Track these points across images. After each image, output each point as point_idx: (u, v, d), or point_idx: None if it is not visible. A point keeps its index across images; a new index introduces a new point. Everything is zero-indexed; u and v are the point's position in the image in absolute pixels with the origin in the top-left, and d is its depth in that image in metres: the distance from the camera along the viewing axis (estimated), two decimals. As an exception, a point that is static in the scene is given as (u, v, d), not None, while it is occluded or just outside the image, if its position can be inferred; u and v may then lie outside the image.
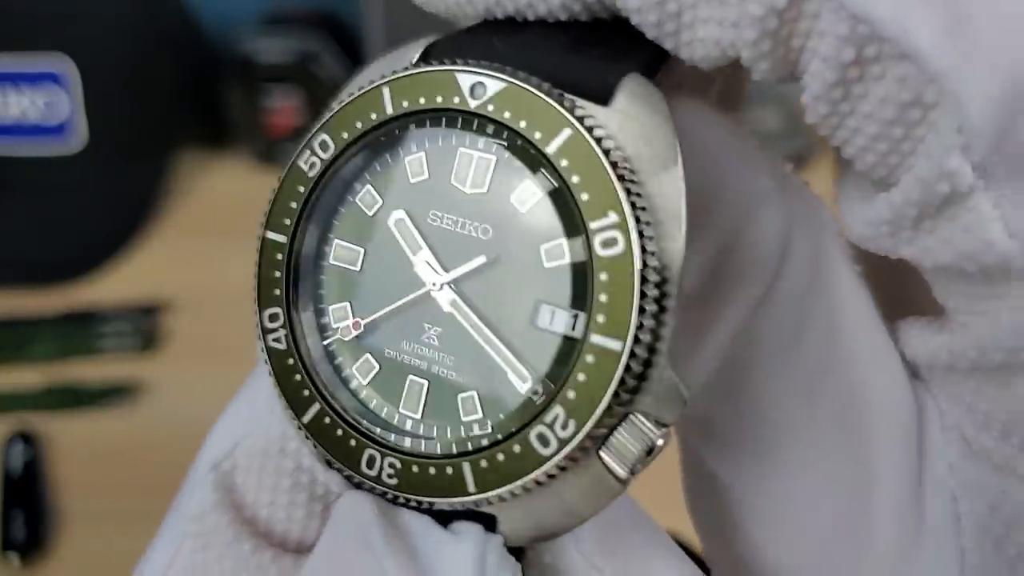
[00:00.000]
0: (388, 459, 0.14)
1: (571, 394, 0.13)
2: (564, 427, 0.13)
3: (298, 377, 0.15)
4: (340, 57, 0.90)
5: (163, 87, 0.87)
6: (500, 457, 0.13)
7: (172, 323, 0.72)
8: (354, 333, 0.15)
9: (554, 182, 0.14)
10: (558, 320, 0.13)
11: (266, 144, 0.92)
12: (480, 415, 0.14)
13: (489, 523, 0.14)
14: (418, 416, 0.14)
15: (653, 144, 0.13)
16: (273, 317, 0.15)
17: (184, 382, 0.67)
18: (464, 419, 0.14)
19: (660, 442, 0.13)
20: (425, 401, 0.14)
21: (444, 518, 0.14)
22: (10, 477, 0.58)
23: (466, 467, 0.13)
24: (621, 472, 0.13)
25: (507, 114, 0.13)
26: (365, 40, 0.90)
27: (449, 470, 0.13)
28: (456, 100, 0.14)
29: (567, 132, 0.13)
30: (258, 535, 0.16)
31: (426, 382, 0.14)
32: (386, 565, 0.14)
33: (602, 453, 0.13)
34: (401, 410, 0.15)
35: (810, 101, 0.14)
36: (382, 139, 0.15)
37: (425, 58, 0.15)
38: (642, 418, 0.13)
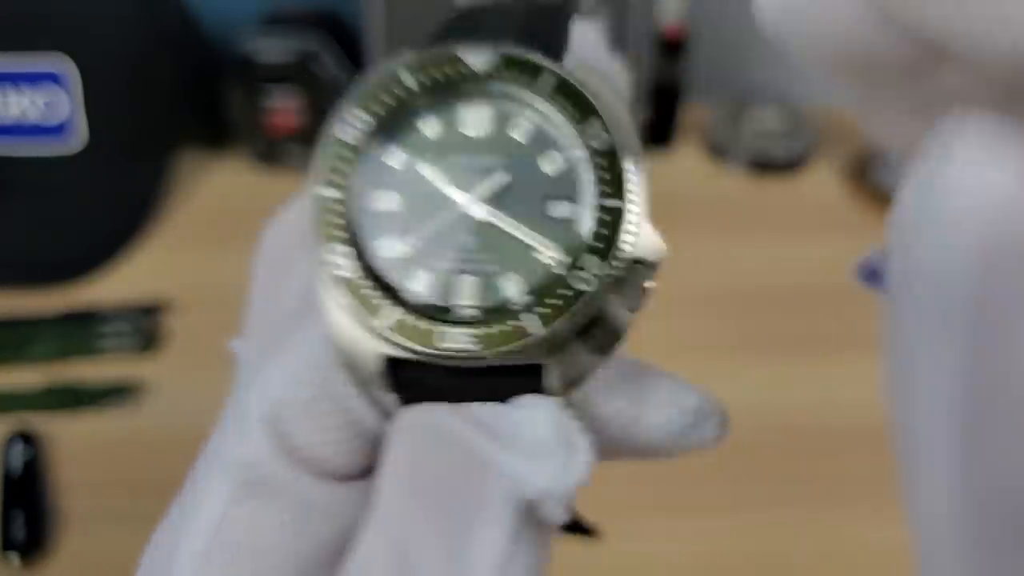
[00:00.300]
0: (464, 331, 0.18)
1: (596, 243, 0.18)
2: (597, 267, 0.18)
3: (369, 293, 0.18)
4: (340, 57, 0.90)
5: (163, 87, 0.87)
6: (556, 301, 0.18)
7: (173, 323, 0.72)
8: (409, 255, 0.19)
9: (544, 115, 0.19)
10: (562, 209, 0.19)
11: (267, 144, 0.92)
12: (523, 286, 0.19)
13: (535, 381, 0.18)
14: (469, 303, 0.19)
15: (605, 79, 0.19)
16: (338, 252, 0.18)
17: (185, 382, 0.67)
18: (507, 295, 0.19)
19: (645, 283, 0.18)
20: (476, 290, 0.19)
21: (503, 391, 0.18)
22: (10, 477, 0.58)
23: (532, 316, 0.18)
24: (632, 305, 0.18)
25: (506, 73, 0.19)
26: (366, 40, 0.90)
27: (520, 319, 0.18)
28: (462, 70, 0.19)
29: (549, 77, 0.19)
30: (312, 473, 0.18)
31: (474, 277, 0.19)
32: (472, 444, 0.17)
33: (612, 295, 0.18)
34: (459, 302, 0.19)
35: None
36: (403, 108, 0.19)
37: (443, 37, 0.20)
38: (630, 261, 0.18)
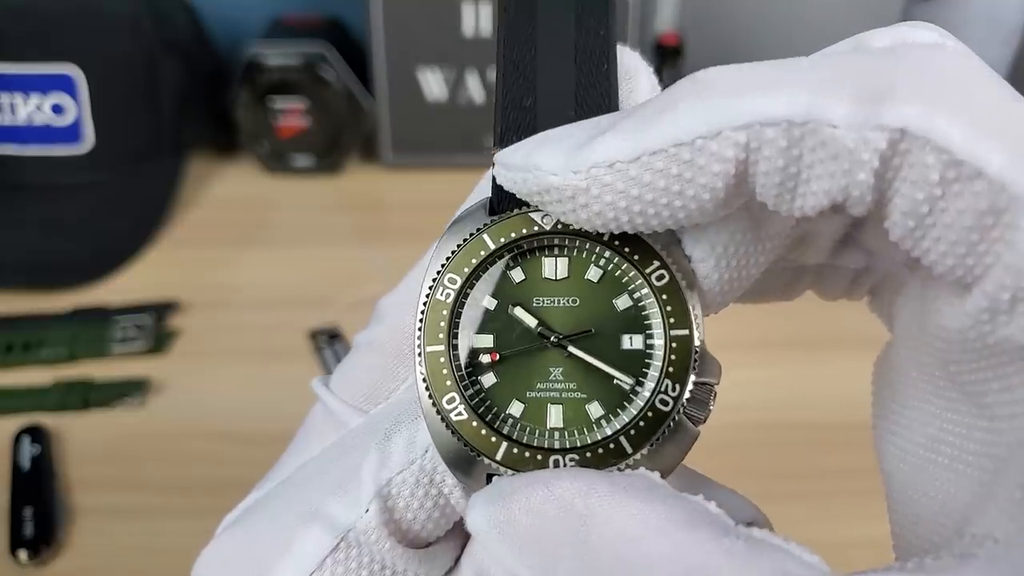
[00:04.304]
0: (568, 456, 0.21)
1: (671, 369, 0.21)
2: (673, 389, 0.21)
3: (484, 431, 0.21)
4: (345, 64, 0.91)
5: (171, 92, 0.88)
6: (641, 424, 0.21)
7: (182, 324, 0.73)
8: (506, 385, 0.22)
9: (612, 259, 0.22)
10: (636, 341, 0.22)
11: (274, 148, 0.93)
12: (604, 412, 0.21)
13: None
14: (561, 426, 0.22)
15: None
16: (451, 400, 0.21)
17: (193, 381, 0.68)
18: (594, 418, 0.21)
19: (712, 397, 0.21)
20: (564, 416, 0.22)
21: None
22: (20, 473, 0.58)
23: (623, 439, 0.21)
24: (700, 416, 0.21)
25: (571, 228, 0.21)
26: (369, 46, 0.91)
27: (612, 445, 0.21)
28: (536, 228, 0.22)
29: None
30: (400, 541, 0.21)
31: (561, 405, 0.22)
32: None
33: (686, 409, 0.21)
34: (548, 426, 0.22)
35: (898, 218, 0.18)
36: (489, 265, 0.22)
37: (493, 211, 0.22)
38: (700, 383, 0.21)
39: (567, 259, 0.22)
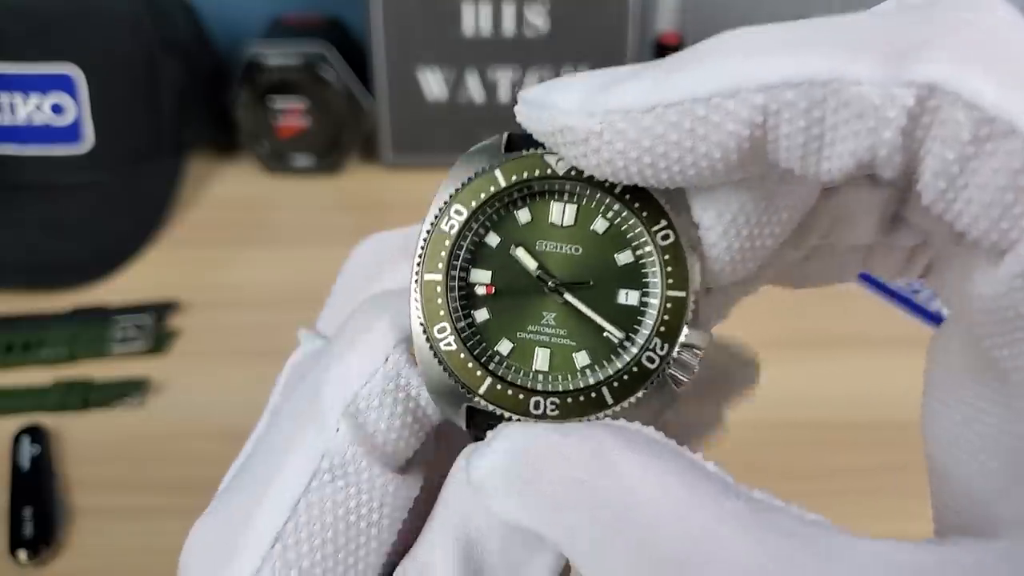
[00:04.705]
0: (549, 399, 0.21)
1: (662, 328, 0.21)
2: (661, 348, 0.21)
3: (470, 364, 0.21)
4: (345, 63, 0.91)
5: (171, 92, 0.88)
6: (625, 377, 0.21)
7: (182, 323, 0.73)
8: (497, 323, 0.22)
9: (620, 212, 0.22)
10: (631, 297, 0.22)
11: (274, 149, 0.93)
12: (590, 362, 0.22)
13: None
14: (546, 370, 0.22)
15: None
16: (441, 330, 0.21)
17: (193, 381, 0.68)
18: (579, 366, 0.22)
19: (697, 362, 0.21)
20: (550, 361, 0.22)
21: None
22: (19, 473, 0.58)
23: (604, 389, 0.21)
24: (683, 379, 0.21)
25: (584, 175, 0.21)
26: (369, 46, 0.91)
27: (593, 394, 0.21)
28: (548, 171, 0.22)
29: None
30: (380, 462, 0.21)
31: (549, 349, 0.22)
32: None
33: (670, 369, 0.21)
34: (534, 368, 0.22)
35: (929, 180, 0.17)
36: (497, 202, 0.22)
37: (509, 147, 0.22)
38: (687, 345, 0.21)
39: (576, 206, 0.22)
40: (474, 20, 0.90)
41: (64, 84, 0.82)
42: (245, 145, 0.92)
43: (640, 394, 0.21)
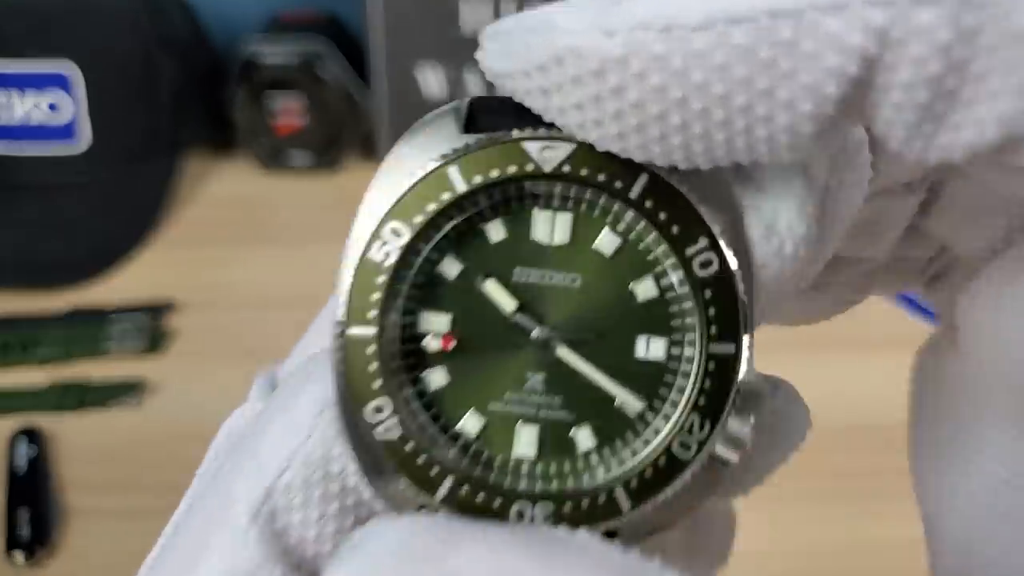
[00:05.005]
0: (539, 505, 0.15)
1: (702, 400, 0.15)
2: (700, 429, 0.15)
3: (421, 460, 0.15)
4: (343, 61, 0.91)
5: (168, 90, 0.88)
6: (647, 473, 0.15)
7: (179, 323, 0.73)
8: (461, 391, 0.16)
9: (636, 225, 0.15)
10: (655, 347, 0.15)
11: (271, 147, 0.92)
12: (596, 444, 0.15)
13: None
14: (533, 457, 0.16)
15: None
16: (378, 409, 0.15)
17: (190, 381, 0.67)
18: (581, 451, 0.15)
19: (749, 434, 0.15)
20: (539, 443, 0.16)
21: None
22: (15, 475, 0.58)
23: (619, 490, 0.15)
24: (733, 458, 0.15)
25: (583, 171, 0.15)
26: (367, 44, 0.91)
27: (603, 497, 0.15)
28: (530, 167, 0.15)
29: (644, 177, 0.15)
30: (300, 570, 0.16)
31: (536, 426, 0.16)
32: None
33: (718, 448, 0.15)
34: (515, 455, 0.16)
35: None
36: (454, 214, 0.15)
37: (472, 124, 0.16)
38: (737, 415, 0.15)
39: (570, 216, 0.15)
40: (473, 17, 0.90)
41: (61, 82, 0.82)
42: (242, 143, 0.92)
43: (668, 494, 0.15)
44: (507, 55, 0.14)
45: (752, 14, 0.12)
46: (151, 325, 0.71)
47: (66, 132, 0.83)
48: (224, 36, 0.98)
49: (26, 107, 0.82)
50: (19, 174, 0.83)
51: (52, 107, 0.82)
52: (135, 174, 0.86)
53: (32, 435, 0.60)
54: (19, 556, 0.53)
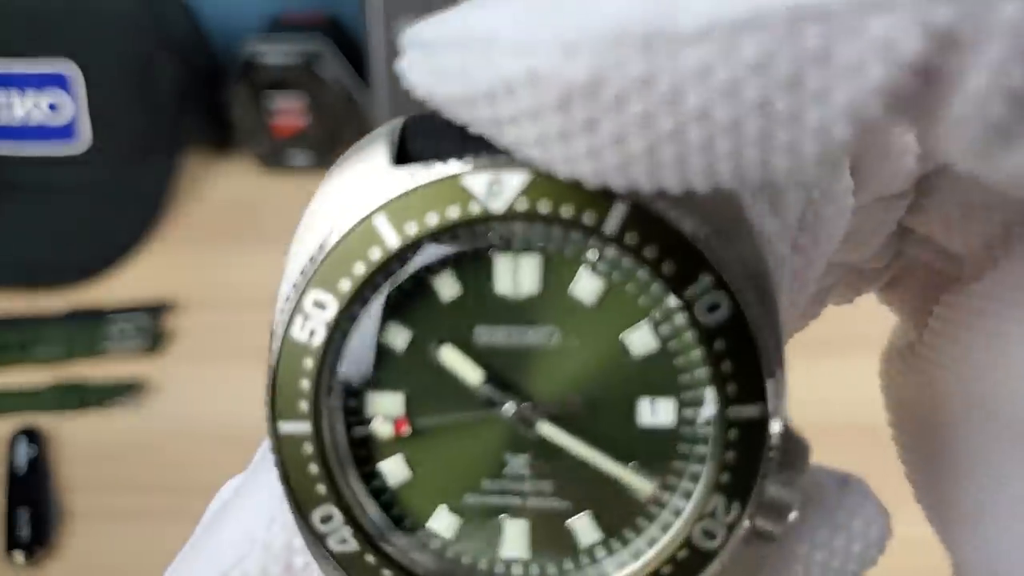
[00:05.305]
0: None
1: (724, 477, 0.12)
2: (727, 512, 0.12)
3: (387, 573, 0.12)
4: (343, 61, 0.91)
5: (167, 90, 0.88)
6: (666, 570, 0.12)
7: (178, 323, 0.73)
8: (427, 485, 0.13)
9: (619, 263, 0.12)
10: (661, 411, 0.12)
11: (271, 147, 0.92)
12: (600, 535, 0.13)
13: None
14: (526, 557, 0.13)
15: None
16: (326, 519, 0.13)
17: (189, 382, 0.67)
18: (583, 545, 0.13)
19: (795, 496, 0.12)
20: (531, 539, 0.13)
21: None
22: (15, 475, 0.58)
23: None
24: (775, 530, 0.12)
25: (543, 206, 0.11)
26: (367, 44, 0.91)
27: None
28: (475, 209, 0.12)
29: (621, 207, 0.11)
30: None
31: (525, 520, 0.13)
32: None
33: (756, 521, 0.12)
34: (503, 556, 0.13)
35: None
36: (393, 271, 0.12)
37: (405, 155, 0.12)
38: (774, 483, 0.12)
39: (537, 258, 0.12)
40: (472, 18, 0.89)
41: (60, 82, 0.82)
42: (242, 143, 0.92)
43: None
44: (440, 76, 0.11)
45: (765, 16, 0.09)
46: (151, 325, 0.71)
47: (66, 132, 0.83)
48: (224, 36, 0.98)
49: (26, 107, 0.82)
50: (19, 174, 0.83)
51: (52, 107, 0.82)
52: (135, 174, 0.86)
53: (32, 435, 0.60)
54: (19, 556, 0.53)
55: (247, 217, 0.88)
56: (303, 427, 0.12)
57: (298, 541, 0.13)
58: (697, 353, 0.12)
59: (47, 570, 0.54)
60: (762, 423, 0.12)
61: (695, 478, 0.12)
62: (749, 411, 0.12)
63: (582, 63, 0.10)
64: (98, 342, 0.69)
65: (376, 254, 0.12)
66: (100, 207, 0.83)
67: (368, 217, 0.12)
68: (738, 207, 0.12)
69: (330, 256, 0.12)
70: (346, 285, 0.12)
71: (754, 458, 0.12)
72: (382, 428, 0.13)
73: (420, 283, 0.13)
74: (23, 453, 0.59)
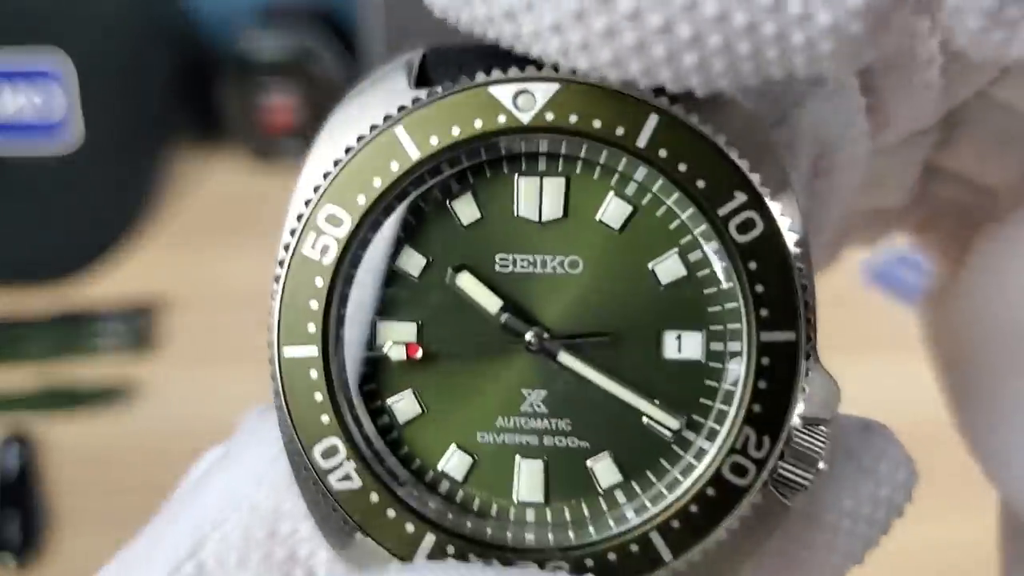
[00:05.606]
0: (554, 562, 0.11)
1: (756, 407, 0.11)
2: (759, 447, 0.11)
3: (392, 514, 0.12)
4: (337, 53, 0.90)
5: (159, 84, 0.87)
6: (693, 508, 0.11)
7: (167, 322, 0.72)
8: (437, 418, 0.12)
9: (650, 184, 0.11)
10: (688, 344, 0.12)
11: (262, 141, 0.92)
12: (620, 477, 0.12)
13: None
14: (541, 501, 0.12)
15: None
16: (329, 452, 0.12)
17: (179, 382, 0.67)
18: (603, 487, 0.12)
19: (824, 447, 0.12)
20: (546, 481, 0.12)
21: None
22: (5, 479, 0.58)
23: (655, 536, 0.11)
24: (802, 481, 0.11)
25: (573, 118, 0.11)
26: (362, 36, 0.90)
27: (635, 547, 0.11)
28: (502, 119, 0.11)
29: (654, 119, 0.11)
30: None
31: (541, 461, 0.12)
32: None
33: (783, 468, 0.12)
34: (517, 499, 0.12)
35: None
36: (411, 189, 0.12)
37: (425, 81, 0.12)
38: (803, 429, 0.11)
39: (562, 181, 0.12)
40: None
41: (52, 76, 0.81)
42: (233, 137, 0.91)
43: (723, 536, 0.11)
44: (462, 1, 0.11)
45: None
46: (141, 325, 0.71)
47: (57, 127, 0.82)
48: (217, 30, 0.97)
49: (18, 101, 0.81)
50: (8, 168, 0.82)
51: (43, 102, 0.82)
52: (126, 168, 0.85)
53: (23, 439, 0.60)
54: (9, 559, 0.53)
55: (238, 212, 0.87)
56: (310, 351, 0.12)
57: (287, 505, 0.13)
58: (728, 283, 0.12)
59: (37, 573, 0.53)
60: (795, 349, 0.11)
61: (721, 418, 0.11)
62: (783, 336, 0.11)
63: None
64: (87, 342, 0.69)
65: (396, 167, 0.11)
66: (91, 201, 0.83)
67: (389, 128, 0.11)
68: (767, 132, 0.11)
69: (346, 169, 0.12)
70: (363, 200, 0.12)
71: (786, 388, 0.11)
72: (393, 352, 0.12)
73: (438, 206, 0.12)
74: (14, 458, 0.59)
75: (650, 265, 0.12)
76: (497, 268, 0.12)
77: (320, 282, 0.12)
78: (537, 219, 0.12)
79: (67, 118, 0.82)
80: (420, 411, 0.12)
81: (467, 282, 0.12)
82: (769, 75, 0.10)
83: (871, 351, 0.68)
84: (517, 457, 0.12)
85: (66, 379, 0.66)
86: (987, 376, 0.17)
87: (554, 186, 0.12)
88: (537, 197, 0.12)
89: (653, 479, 0.12)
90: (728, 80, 0.10)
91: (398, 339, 0.12)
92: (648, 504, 0.11)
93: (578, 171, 0.12)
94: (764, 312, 0.11)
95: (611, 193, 0.12)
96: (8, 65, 0.81)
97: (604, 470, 0.12)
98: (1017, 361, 0.16)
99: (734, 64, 0.10)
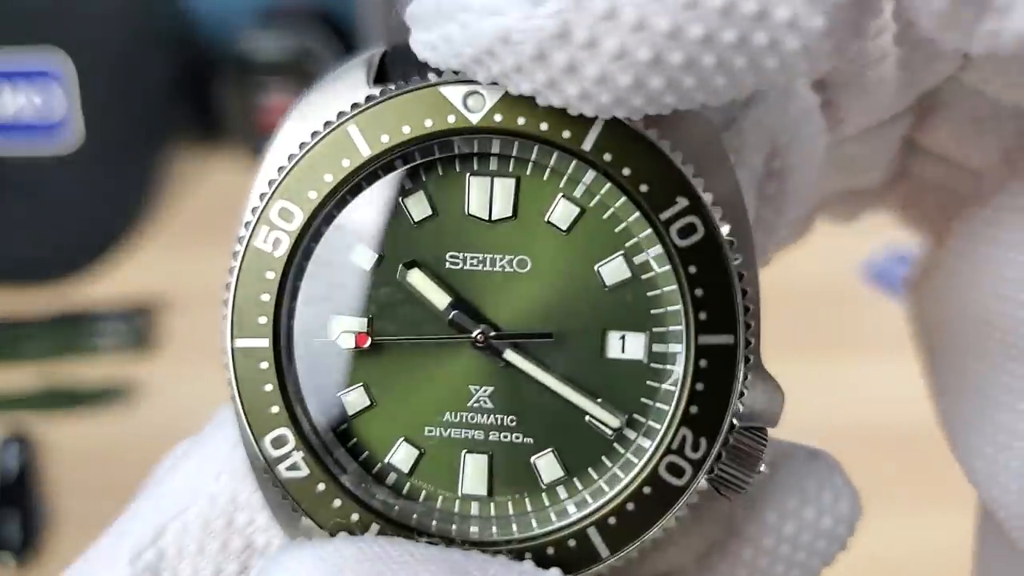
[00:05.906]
0: (495, 555, 0.12)
1: (692, 409, 0.11)
2: (695, 448, 0.12)
3: (337, 504, 0.12)
4: (335, 53, 0.90)
5: (158, 83, 0.87)
6: (630, 507, 0.11)
7: (166, 322, 0.72)
8: (386, 413, 0.13)
9: (597, 189, 0.12)
10: (632, 345, 0.12)
11: (262, 140, 0.91)
12: (563, 473, 0.12)
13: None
14: (485, 494, 0.12)
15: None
16: (279, 441, 0.12)
17: (178, 382, 0.67)
18: (545, 483, 0.12)
19: (763, 449, 0.12)
20: (490, 476, 0.13)
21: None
22: (5, 479, 0.58)
23: (592, 532, 0.12)
24: (742, 482, 0.12)
25: (521, 120, 0.11)
26: (359, 35, 0.90)
27: (572, 542, 0.12)
28: (452, 119, 0.11)
29: (600, 123, 0.11)
30: None
31: (486, 456, 0.12)
32: None
33: (716, 474, 0.12)
34: (462, 493, 0.13)
35: None
36: (363, 185, 0.12)
37: (383, 78, 0.12)
38: (743, 431, 0.12)
39: (512, 182, 0.12)
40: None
41: (52, 76, 0.81)
42: (233, 137, 0.91)
43: (657, 532, 0.11)
44: (434, 49, 0.11)
45: None
46: (141, 326, 0.71)
47: (57, 127, 0.82)
48: (215, 30, 0.97)
49: (18, 102, 0.81)
50: (8, 169, 0.82)
51: (43, 102, 0.82)
52: (125, 168, 0.85)
53: (23, 439, 0.60)
54: (9, 559, 0.54)
55: (236, 211, 0.87)
56: (261, 343, 0.13)
57: (244, 495, 0.13)
58: (670, 285, 0.12)
59: (36, 573, 0.53)
60: (732, 353, 0.11)
61: (661, 417, 0.12)
62: (721, 339, 0.11)
63: (547, 11, 0.10)
64: (86, 342, 0.69)
65: (347, 163, 0.12)
66: (91, 201, 0.83)
67: (341, 125, 0.12)
68: (716, 136, 0.12)
69: (300, 164, 0.12)
70: (314, 195, 0.12)
71: (723, 391, 0.11)
72: (342, 340, 0.13)
73: (390, 203, 0.12)
74: (13, 458, 0.59)
75: (596, 267, 0.12)
76: (447, 265, 0.12)
77: (272, 275, 0.12)
78: (487, 218, 0.12)
79: (67, 118, 0.82)
80: (369, 404, 0.13)
81: (417, 279, 0.12)
82: (742, 83, 0.10)
83: (870, 350, 0.68)
84: (463, 451, 0.12)
85: (66, 379, 0.66)
86: (956, 361, 0.17)
87: (504, 186, 0.12)
88: (488, 196, 0.12)
89: (594, 476, 0.12)
90: (703, 95, 0.10)
91: (348, 327, 0.13)
92: (588, 499, 0.12)
93: (528, 172, 0.12)
94: (703, 315, 0.11)
95: (560, 195, 0.12)
96: (8, 65, 0.81)
97: (547, 466, 0.12)
98: (982, 345, 0.16)
99: (704, 79, 0.10)
